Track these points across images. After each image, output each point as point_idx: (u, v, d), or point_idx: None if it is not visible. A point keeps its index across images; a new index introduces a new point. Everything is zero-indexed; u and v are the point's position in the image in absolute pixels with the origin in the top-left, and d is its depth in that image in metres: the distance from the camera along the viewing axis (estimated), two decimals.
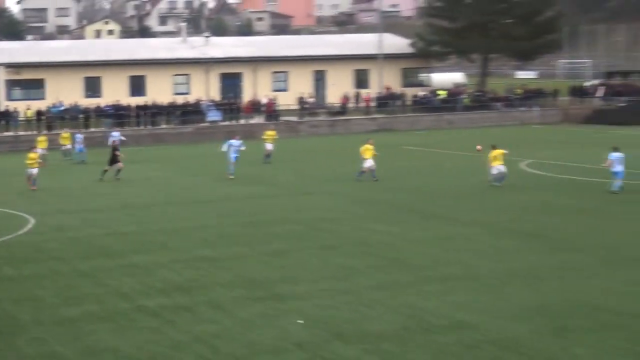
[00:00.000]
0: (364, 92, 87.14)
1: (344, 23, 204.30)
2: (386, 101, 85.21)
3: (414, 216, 36.56)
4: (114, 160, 49.28)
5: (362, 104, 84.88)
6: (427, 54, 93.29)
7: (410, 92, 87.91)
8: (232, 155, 49.12)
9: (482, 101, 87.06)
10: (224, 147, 49.56)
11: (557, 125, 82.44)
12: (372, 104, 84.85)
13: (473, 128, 79.71)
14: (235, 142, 49.37)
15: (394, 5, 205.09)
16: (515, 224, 34.46)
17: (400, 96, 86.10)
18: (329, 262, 28.51)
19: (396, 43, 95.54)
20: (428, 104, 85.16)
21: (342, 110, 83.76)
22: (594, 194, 41.50)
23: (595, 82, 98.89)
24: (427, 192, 42.90)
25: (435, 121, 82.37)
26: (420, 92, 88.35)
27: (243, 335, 20.97)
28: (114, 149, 50.46)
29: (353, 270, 27.24)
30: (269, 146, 56.05)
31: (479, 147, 47.01)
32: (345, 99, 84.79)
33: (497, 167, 44.15)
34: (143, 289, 25.47)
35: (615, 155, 41.66)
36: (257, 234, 33.46)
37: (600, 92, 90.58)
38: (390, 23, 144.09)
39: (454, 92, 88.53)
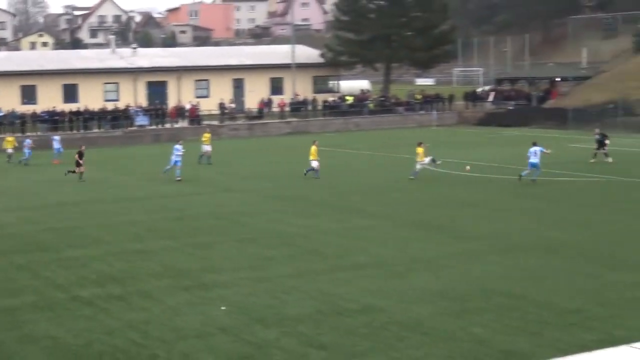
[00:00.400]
0: (278, 98, 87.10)
1: (260, 35, 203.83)
2: (299, 106, 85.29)
3: (327, 210, 36.53)
4: (79, 163, 48.43)
5: (277, 109, 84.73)
6: (335, 63, 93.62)
7: (321, 97, 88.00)
8: (173, 159, 47.32)
9: (385, 106, 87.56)
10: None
11: (453, 127, 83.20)
12: (287, 108, 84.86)
13: (378, 130, 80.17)
14: (178, 146, 48.11)
15: (305, 20, 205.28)
16: (418, 216, 34.63)
17: (312, 101, 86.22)
18: (249, 253, 28.35)
19: (308, 53, 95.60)
20: (337, 109, 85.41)
21: (260, 114, 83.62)
22: (488, 188, 41.91)
23: (487, 88, 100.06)
24: (338, 188, 42.91)
25: (344, 124, 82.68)
26: (330, 97, 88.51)
27: (171, 321, 20.74)
28: (80, 153, 49.07)
29: (271, 260, 27.13)
30: (207, 148, 55.25)
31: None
32: (262, 104, 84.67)
33: (421, 162, 45.14)
34: (78, 280, 25.04)
35: (532, 149, 42.81)
36: (183, 228, 33.17)
37: (492, 97, 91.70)
38: (302, 35, 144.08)
39: (360, 98, 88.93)
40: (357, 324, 20.21)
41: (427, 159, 45.46)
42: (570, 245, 28.35)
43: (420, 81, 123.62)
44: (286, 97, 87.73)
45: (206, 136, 56.20)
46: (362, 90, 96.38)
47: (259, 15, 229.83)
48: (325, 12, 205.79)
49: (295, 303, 22.12)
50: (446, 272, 24.98)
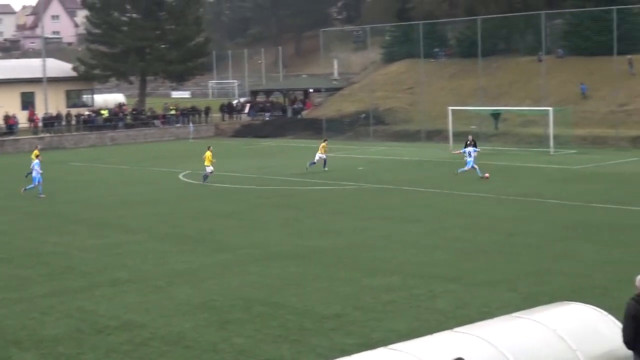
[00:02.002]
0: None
1: (9, 49, 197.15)
2: (52, 121, 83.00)
3: (83, 226, 35.74)
4: None
5: (27, 125, 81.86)
6: (89, 76, 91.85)
7: (75, 112, 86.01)
8: (37, 176, 44.82)
9: (141, 119, 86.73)
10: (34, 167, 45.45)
11: (210, 139, 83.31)
12: (40, 123, 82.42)
13: (135, 144, 79.31)
14: (37, 161, 45.32)
15: (56, 33, 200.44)
16: (177, 229, 34.46)
17: (66, 116, 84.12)
18: (3, 273, 27.32)
19: (60, 67, 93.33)
20: (92, 123, 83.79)
21: (10, 130, 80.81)
22: (245, 199, 42.19)
23: (242, 99, 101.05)
24: (94, 203, 42.12)
25: (99, 138, 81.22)
26: (85, 111, 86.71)
27: None
28: None
29: (27, 280, 26.25)
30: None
31: (487, 175, 46.06)
32: (13, 119, 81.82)
33: (319, 155, 51.43)
34: None
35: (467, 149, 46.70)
36: None
37: (247, 108, 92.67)
38: (53, 49, 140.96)
39: (116, 111, 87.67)
40: (118, 341, 19.88)
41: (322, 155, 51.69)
42: (327, 253, 28.97)
43: (176, 94, 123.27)
44: (38, 111, 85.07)
45: (35, 153, 53.93)
46: (118, 103, 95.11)
47: (7, 29, 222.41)
48: (76, 25, 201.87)
49: (54, 323, 21.51)
50: (206, 284, 24.97)
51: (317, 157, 51.68)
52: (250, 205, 40.29)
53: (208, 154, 47.58)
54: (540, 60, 73.88)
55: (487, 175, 45.94)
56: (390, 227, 33.26)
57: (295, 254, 28.88)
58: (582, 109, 68.80)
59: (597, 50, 74.79)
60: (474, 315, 19.78)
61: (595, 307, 14.86)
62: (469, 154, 46.57)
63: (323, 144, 52.79)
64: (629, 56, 70.63)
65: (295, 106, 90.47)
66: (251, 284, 24.84)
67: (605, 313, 14.54)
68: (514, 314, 14.79)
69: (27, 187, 45.11)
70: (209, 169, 47.49)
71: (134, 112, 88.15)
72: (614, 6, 65.72)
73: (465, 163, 46.63)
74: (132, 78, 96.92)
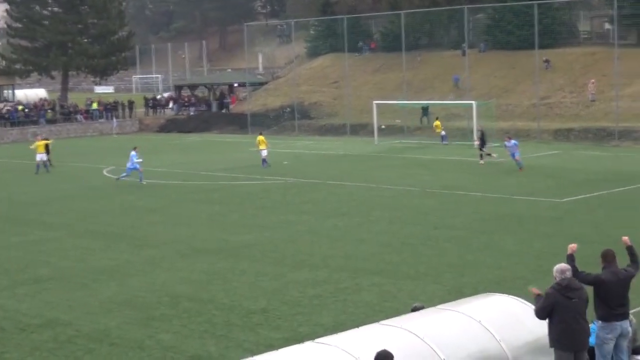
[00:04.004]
0: None
1: None
2: None
3: (4, 223, 35.20)
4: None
5: None
6: (10, 71, 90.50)
7: None
8: (130, 166, 45.41)
9: (64, 114, 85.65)
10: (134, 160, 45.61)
11: (134, 134, 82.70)
12: None
13: (57, 139, 78.16)
14: (134, 153, 45.59)
15: None
16: (100, 225, 34.13)
17: None
18: None
19: None
20: (13, 119, 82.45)
21: None
22: (169, 194, 41.96)
23: (166, 94, 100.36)
24: (15, 200, 41.52)
25: (20, 134, 79.91)
26: (6, 107, 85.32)
27: None
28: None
29: None
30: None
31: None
32: None
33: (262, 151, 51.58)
34: None
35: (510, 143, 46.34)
36: None
37: (172, 103, 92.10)
38: None
39: (38, 106, 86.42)
40: (42, 339, 19.65)
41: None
42: (253, 247, 28.92)
43: (100, 89, 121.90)
44: None
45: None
46: (41, 99, 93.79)
47: None
48: None
49: None
50: (131, 281, 24.78)
51: (442, 133, 61.96)
52: (175, 200, 40.08)
53: (262, 138, 51.24)
54: (464, 54, 74.58)
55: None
56: (315, 221, 33.33)
57: (221, 249, 28.81)
58: (505, 102, 69.66)
59: (519, 45, 76.00)
60: (400, 308, 19.91)
61: (518, 298, 15.05)
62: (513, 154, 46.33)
63: (437, 122, 63.14)
64: (544, 57, 71.47)
65: (225, 100, 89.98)
66: (177, 280, 24.72)
67: (527, 303, 14.73)
68: (439, 306, 14.93)
69: (122, 176, 46.20)
70: (264, 152, 50.50)
71: (51, 108, 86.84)
72: (535, 1, 66.56)
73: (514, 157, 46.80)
74: (54, 73, 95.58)
